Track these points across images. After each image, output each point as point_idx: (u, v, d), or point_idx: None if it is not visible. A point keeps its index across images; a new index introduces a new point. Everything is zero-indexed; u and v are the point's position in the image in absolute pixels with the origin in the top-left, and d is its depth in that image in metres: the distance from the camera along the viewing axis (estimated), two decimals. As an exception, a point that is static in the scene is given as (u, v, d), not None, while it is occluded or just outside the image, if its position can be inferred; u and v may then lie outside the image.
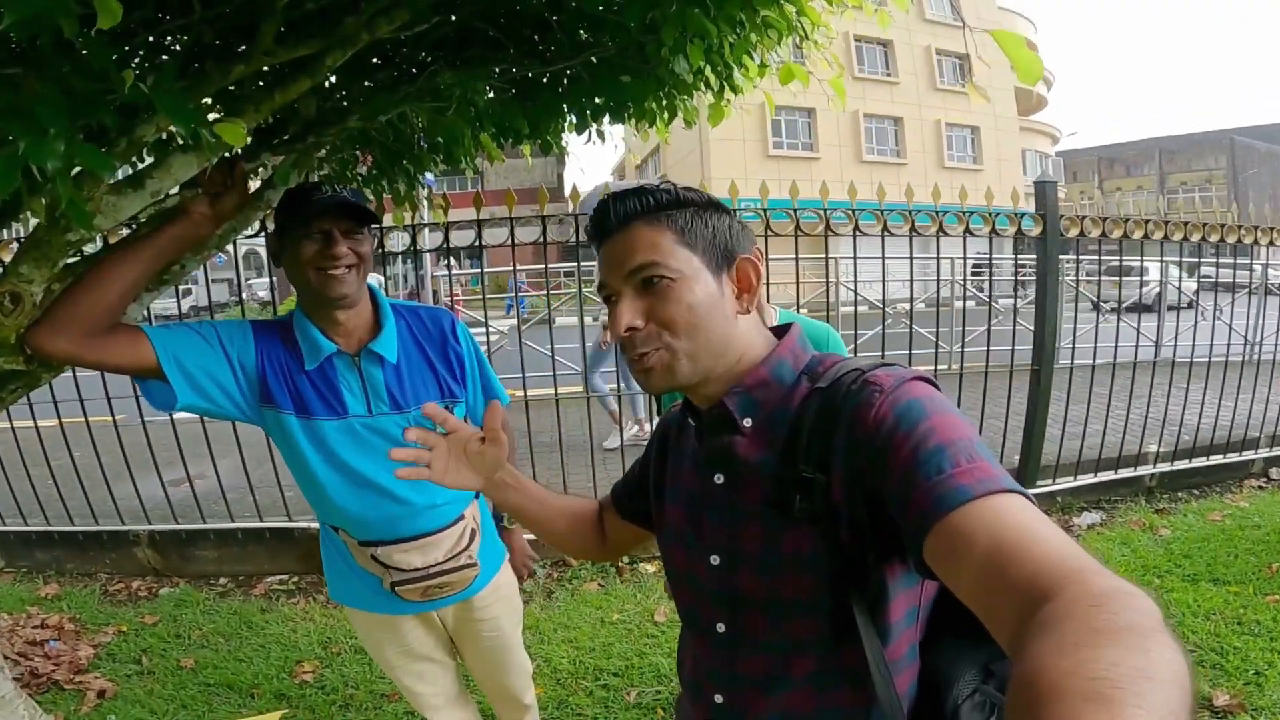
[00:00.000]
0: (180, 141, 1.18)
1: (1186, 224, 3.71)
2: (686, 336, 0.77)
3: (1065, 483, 3.96)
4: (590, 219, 0.84)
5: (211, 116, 1.09)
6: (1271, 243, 4.05)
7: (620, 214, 0.80)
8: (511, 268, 3.14)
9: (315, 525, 3.42)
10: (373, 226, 1.38)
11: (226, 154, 1.27)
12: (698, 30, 1.18)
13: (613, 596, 3.16)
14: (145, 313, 1.92)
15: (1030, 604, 0.47)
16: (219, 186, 1.24)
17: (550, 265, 3.33)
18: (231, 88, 1.28)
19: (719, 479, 0.81)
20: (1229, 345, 4.41)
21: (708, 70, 1.54)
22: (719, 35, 1.23)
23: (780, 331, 0.86)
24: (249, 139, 1.53)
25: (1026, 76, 0.89)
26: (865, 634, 0.71)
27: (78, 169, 0.99)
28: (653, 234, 0.79)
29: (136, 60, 1.40)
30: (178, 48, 1.39)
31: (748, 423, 0.79)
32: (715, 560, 0.82)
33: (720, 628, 0.83)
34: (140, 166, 1.23)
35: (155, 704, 2.48)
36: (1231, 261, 4.40)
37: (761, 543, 0.77)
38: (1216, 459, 4.29)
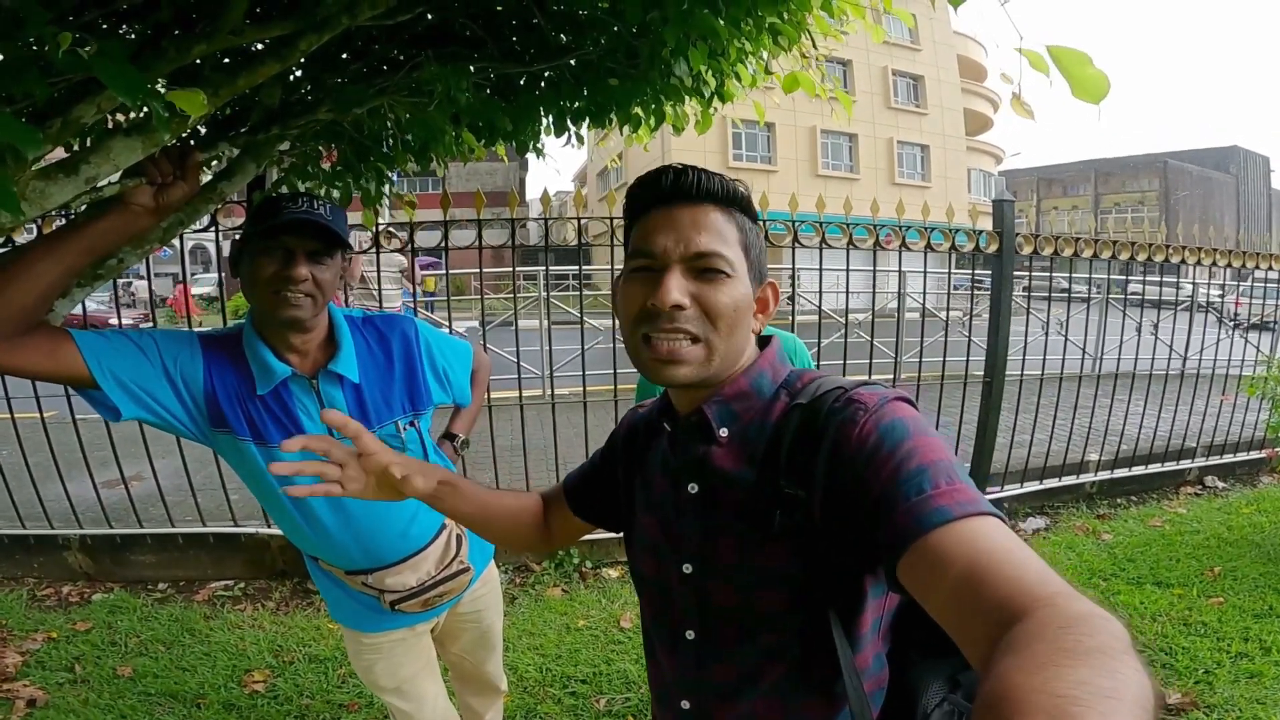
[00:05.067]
0: (122, 123, 1.08)
1: (1133, 244, 3.87)
2: (726, 334, 0.76)
3: (1013, 489, 4.09)
4: (656, 176, 0.79)
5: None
6: (1214, 263, 4.25)
7: (701, 188, 0.76)
8: (478, 269, 3.09)
9: (264, 530, 3.33)
10: (345, 253, 1.28)
11: (177, 141, 1.18)
12: (704, 32, 1.14)
13: (577, 602, 3.11)
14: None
15: (1002, 624, 0.48)
16: (166, 176, 1.11)
17: (513, 268, 3.29)
18: (200, 65, 1.19)
19: (693, 488, 0.80)
20: (1169, 359, 4.60)
21: (708, 74, 1.52)
22: (725, 38, 1.20)
23: (760, 344, 0.85)
24: (203, 128, 1.46)
25: (1088, 94, 0.82)
26: (840, 647, 0.72)
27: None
28: (724, 223, 0.76)
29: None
30: (134, 35, 1.30)
31: (724, 433, 0.79)
32: (688, 569, 0.81)
33: (689, 635, 0.82)
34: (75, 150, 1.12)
35: (91, 713, 2.35)
36: (1174, 281, 4.61)
37: (736, 555, 0.76)
38: (1154, 467, 4.49)
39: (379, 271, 3.41)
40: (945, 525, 0.58)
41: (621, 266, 0.83)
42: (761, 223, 3.09)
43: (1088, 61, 0.81)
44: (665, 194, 0.77)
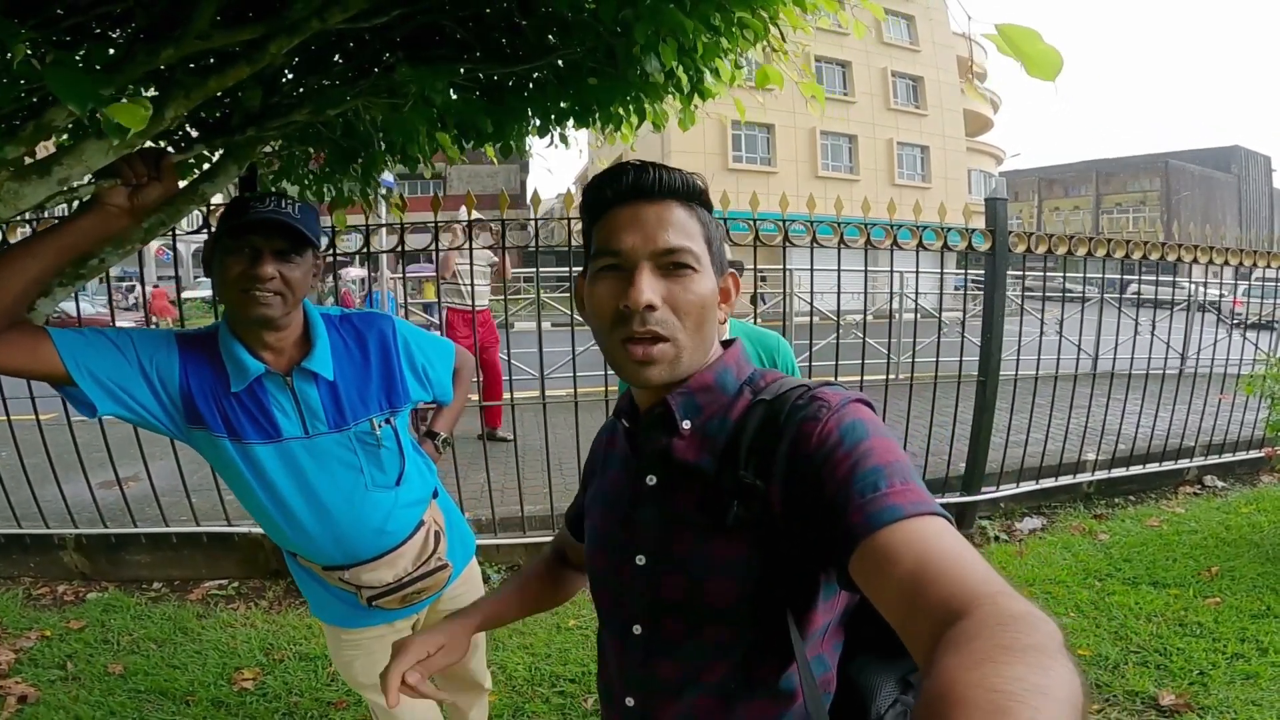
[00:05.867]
0: (97, 126, 1.10)
1: (1128, 242, 3.85)
2: (694, 331, 0.76)
3: (1008, 489, 4.06)
4: (616, 173, 0.78)
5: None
6: (1210, 261, 4.23)
7: (663, 185, 0.76)
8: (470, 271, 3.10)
9: (257, 530, 3.34)
10: (316, 251, 1.28)
11: (155, 143, 1.18)
12: (671, 28, 1.15)
13: (568, 602, 3.09)
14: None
15: (944, 621, 0.50)
16: (140, 177, 1.12)
17: (509, 270, 3.30)
18: (172, 68, 1.20)
19: (651, 480, 0.81)
20: (1166, 358, 4.59)
21: (680, 71, 1.53)
22: (693, 33, 1.21)
23: (725, 344, 0.86)
24: (192, 131, 1.46)
25: (1043, 72, 0.81)
26: (796, 644, 0.72)
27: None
28: (686, 218, 0.77)
29: (80, 55, 1.31)
30: (122, 40, 1.31)
31: (686, 425, 0.79)
32: (640, 561, 0.81)
33: (636, 630, 0.82)
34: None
35: (81, 710, 2.36)
36: (1170, 280, 4.59)
37: (691, 547, 0.76)
38: (1152, 467, 4.46)
39: (472, 266, 3.30)
40: (897, 523, 0.60)
41: None
42: (753, 222, 3.12)
43: (1037, 38, 0.81)
44: (626, 192, 0.77)
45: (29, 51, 0.82)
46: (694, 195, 0.79)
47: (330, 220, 2.62)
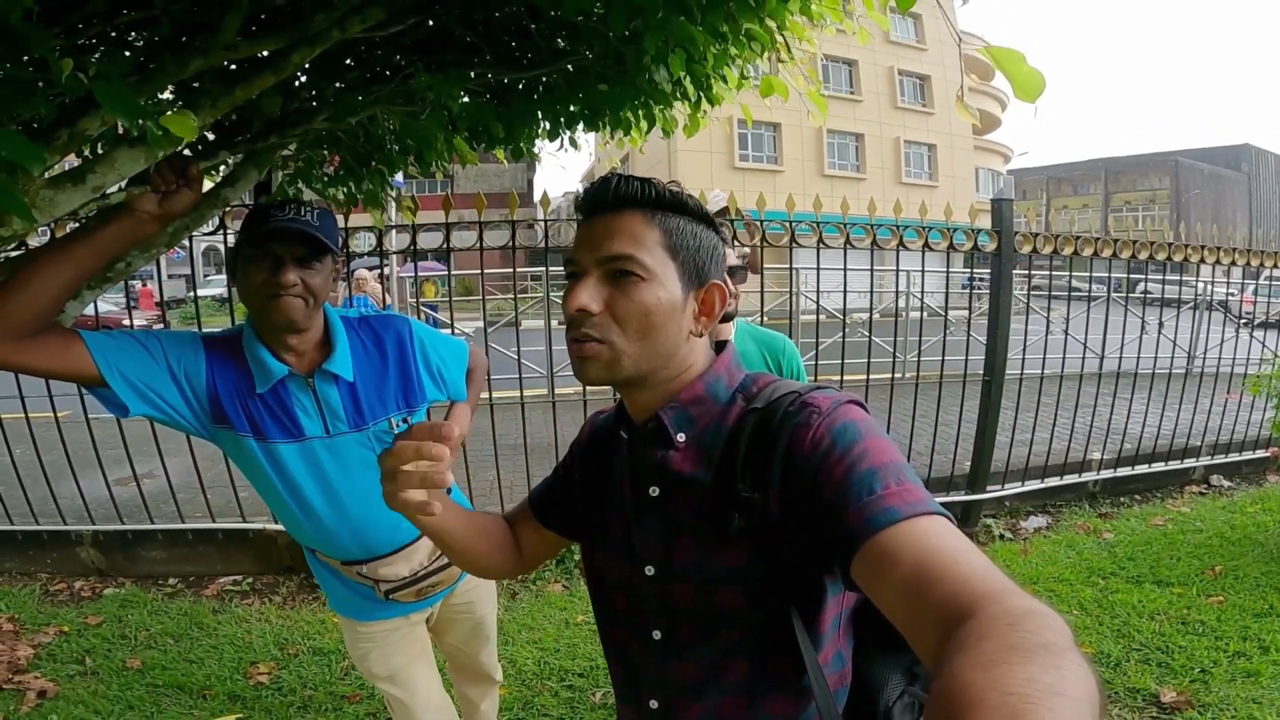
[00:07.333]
0: (127, 135, 1.12)
1: (1134, 243, 3.85)
2: (636, 338, 0.76)
3: (1013, 488, 4.07)
4: (585, 191, 0.80)
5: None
6: (1217, 261, 4.23)
7: (618, 195, 0.78)
8: (479, 271, 3.13)
9: (271, 526, 3.39)
10: (335, 257, 1.32)
11: (180, 150, 1.22)
12: (681, 39, 1.18)
13: (577, 598, 3.16)
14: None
15: (951, 621, 0.50)
16: (170, 184, 1.14)
17: (518, 269, 3.33)
18: (196, 84, 1.24)
19: (654, 491, 0.81)
20: (1172, 357, 4.58)
21: (687, 81, 1.55)
22: (703, 45, 1.24)
23: (717, 349, 0.87)
24: (209, 135, 1.50)
25: (1025, 94, 0.83)
26: (804, 646, 0.73)
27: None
28: (641, 226, 0.77)
29: (96, 56, 1.35)
30: (141, 43, 1.35)
31: (681, 438, 0.80)
32: (650, 571, 0.82)
33: (656, 634, 0.84)
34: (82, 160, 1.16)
35: (100, 704, 2.41)
36: (1182, 280, 4.58)
37: (696, 556, 0.78)
38: (1158, 466, 4.46)
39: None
40: (895, 525, 0.60)
41: None
42: (760, 223, 3.15)
43: (1021, 60, 0.82)
44: (590, 205, 0.80)
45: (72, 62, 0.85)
46: (660, 203, 0.78)
47: (362, 220, 2.65)
